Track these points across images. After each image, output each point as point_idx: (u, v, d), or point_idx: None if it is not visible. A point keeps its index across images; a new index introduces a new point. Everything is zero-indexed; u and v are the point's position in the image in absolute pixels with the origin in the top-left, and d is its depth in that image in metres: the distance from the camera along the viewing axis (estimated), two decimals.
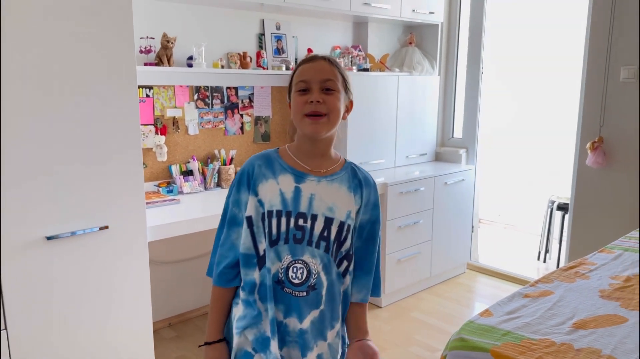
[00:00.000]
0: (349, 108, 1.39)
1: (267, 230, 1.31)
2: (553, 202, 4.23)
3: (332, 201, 1.33)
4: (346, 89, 1.35)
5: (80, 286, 1.99)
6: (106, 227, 2.02)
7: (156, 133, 2.87)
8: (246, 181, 1.36)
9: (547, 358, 1.42)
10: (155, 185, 2.87)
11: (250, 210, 1.33)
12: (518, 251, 4.68)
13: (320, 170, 1.35)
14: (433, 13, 3.85)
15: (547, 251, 4.38)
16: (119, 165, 2.04)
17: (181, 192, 2.89)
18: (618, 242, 2.48)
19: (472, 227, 4.13)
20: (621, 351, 1.47)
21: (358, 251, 1.39)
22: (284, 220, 1.31)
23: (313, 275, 1.32)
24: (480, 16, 3.91)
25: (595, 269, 2.12)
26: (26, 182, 1.81)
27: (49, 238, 1.88)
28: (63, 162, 1.89)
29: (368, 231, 1.40)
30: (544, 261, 4.37)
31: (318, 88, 1.30)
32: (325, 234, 1.32)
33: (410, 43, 3.97)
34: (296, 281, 1.31)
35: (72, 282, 1.97)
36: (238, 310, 1.36)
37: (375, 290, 1.44)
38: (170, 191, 2.84)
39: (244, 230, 1.34)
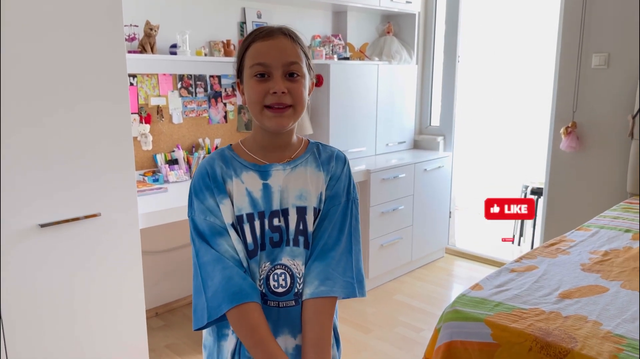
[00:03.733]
0: (311, 89, 1.18)
1: (242, 239, 1.13)
2: (527, 187, 4.37)
3: (301, 186, 1.15)
4: (309, 68, 1.15)
5: (74, 274, 1.99)
6: (98, 214, 2.03)
7: (140, 121, 2.85)
8: (212, 184, 1.13)
9: (539, 325, 1.51)
10: (140, 174, 2.86)
11: (227, 216, 1.13)
12: (493, 235, 4.82)
13: (284, 160, 1.17)
14: (410, 2, 3.92)
15: (521, 234, 4.52)
16: (111, 153, 2.04)
17: (167, 181, 2.89)
18: (594, 221, 2.60)
19: (450, 212, 4.24)
20: (605, 317, 1.56)
21: (314, 231, 1.17)
22: (257, 224, 1.12)
23: (298, 279, 1.15)
24: (456, 5, 4.00)
25: (575, 245, 2.23)
26: (20, 171, 1.80)
27: (42, 226, 1.87)
28: (55, 151, 1.88)
29: (325, 207, 1.17)
30: (519, 244, 4.51)
31: (281, 74, 1.08)
32: (302, 227, 1.15)
33: (388, 32, 4.03)
34: (280, 289, 1.14)
35: (66, 269, 1.97)
36: (230, 343, 1.16)
37: (347, 286, 1.14)
38: (156, 180, 2.83)
39: (234, 239, 1.13)
